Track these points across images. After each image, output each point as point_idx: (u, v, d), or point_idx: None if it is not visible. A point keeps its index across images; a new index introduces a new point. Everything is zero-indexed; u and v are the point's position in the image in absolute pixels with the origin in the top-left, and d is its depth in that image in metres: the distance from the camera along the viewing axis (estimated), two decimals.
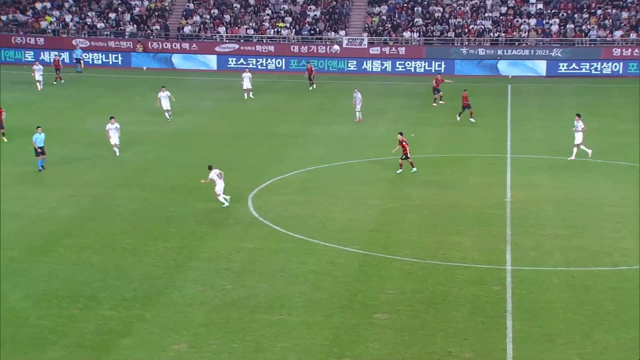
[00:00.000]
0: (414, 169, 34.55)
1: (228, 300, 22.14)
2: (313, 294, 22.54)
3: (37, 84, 54.78)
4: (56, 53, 61.96)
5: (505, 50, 65.43)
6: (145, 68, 66.15)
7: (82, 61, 64.60)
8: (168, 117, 45.58)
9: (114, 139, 37.33)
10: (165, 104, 45.38)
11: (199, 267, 24.44)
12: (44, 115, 46.81)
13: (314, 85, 56.29)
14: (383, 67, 64.63)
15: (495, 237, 27.06)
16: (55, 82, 57.38)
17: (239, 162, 36.95)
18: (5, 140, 39.70)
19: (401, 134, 34.85)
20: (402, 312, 21.41)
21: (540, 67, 63.81)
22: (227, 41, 68.33)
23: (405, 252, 25.66)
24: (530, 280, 23.53)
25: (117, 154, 37.32)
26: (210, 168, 30.05)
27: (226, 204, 29.80)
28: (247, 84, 52.71)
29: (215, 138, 42.13)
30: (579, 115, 37.39)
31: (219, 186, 29.71)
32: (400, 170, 34.50)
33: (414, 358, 19.12)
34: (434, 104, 50.43)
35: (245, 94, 52.76)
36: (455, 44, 66.72)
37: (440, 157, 38.25)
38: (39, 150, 34.42)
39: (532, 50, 65.25)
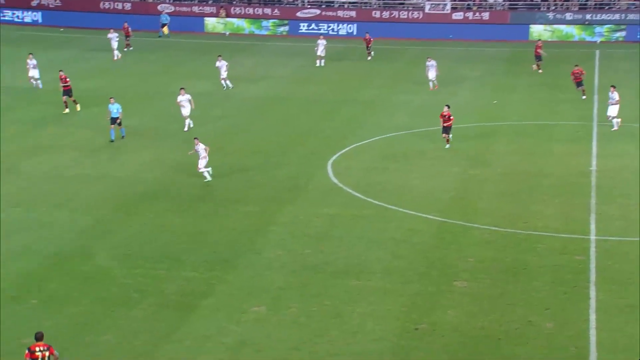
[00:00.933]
0: (447, 146, 32.84)
1: (307, 264, 22.35)
2: (392, 260, 22.54)
3: (114, 52, 54.92)
4: (126, 21, 62.16)
5: (594, 15, 63.25)
6: (227, 33, 66.66)
7: (167, 26, 65.34)
8: (226, 86, 44.46)
9: (186, 110, 35.81)
10: (223, 73, 44.56)
11: (277, 232, 24.72)
12: (121, 82, 47.12)
13: (372, 53, 55.35)
14: (465, 33, 63.30)
15: (579, 207, 26.45)
16: (126, 50, 57.82)
17: (318, 128, 37.05)
18: (79, 108, 39.65)
19: (448, 106, 32.88)
20: (481, 280, 21.22)
21: (631, 32, 61.44)
22: (309, 6, 68.15)
23: (485, 220, 25.35)
24: (616, 250, 22.98)
25: (186, 128, 35.83)
26: (196, 139, 29.37)
27: (209, 178, 29.14)
28: (321, 50, 52.28)
29: (293, 104, 42.20)
30: (614, 87, 35.95)
31: (203, 160, 29.11)
32: (447, 145, 32.97)
33: (493, 326, 18.96)
34: (533, 67, 49.21)
35: (318, 61, 52.30)
36: (542, 9, 64.85)
37: (523, 124, 37.45)
38: (112, 119, 34.47)
39: (622, 15, 62.85)
